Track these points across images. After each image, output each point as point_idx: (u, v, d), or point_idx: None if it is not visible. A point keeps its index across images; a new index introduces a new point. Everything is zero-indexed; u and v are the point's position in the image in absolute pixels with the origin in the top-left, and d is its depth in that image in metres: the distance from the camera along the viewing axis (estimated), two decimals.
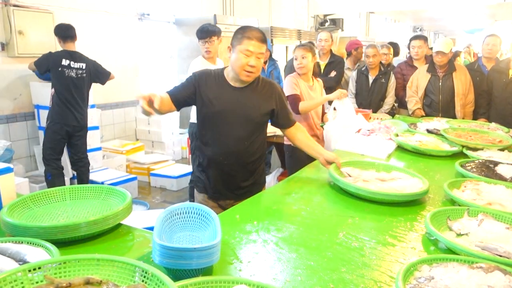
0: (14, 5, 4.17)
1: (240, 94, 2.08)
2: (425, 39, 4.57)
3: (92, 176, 4.44)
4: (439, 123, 3.41)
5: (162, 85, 6.43)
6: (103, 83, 4.30)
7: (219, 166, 2.13)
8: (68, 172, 4.34)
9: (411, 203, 1.83)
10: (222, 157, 2.10)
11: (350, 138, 2.99)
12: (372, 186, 1.91)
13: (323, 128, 3.28)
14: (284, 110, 2.21)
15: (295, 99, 3.06)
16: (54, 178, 4.02)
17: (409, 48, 4.93)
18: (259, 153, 2.19)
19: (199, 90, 2.07)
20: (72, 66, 3.96)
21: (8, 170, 1.68)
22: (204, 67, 3.71)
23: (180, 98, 2.07)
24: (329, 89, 4.52)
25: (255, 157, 2.17)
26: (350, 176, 2.04)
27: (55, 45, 4.08)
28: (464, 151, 2.63)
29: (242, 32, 2.00)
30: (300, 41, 8.40)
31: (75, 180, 4.35)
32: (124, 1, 5.47)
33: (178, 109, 2.10)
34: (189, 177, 4.15)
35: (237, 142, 2.09)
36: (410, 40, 4.71)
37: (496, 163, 2.23)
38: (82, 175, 4.23)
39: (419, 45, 4.43)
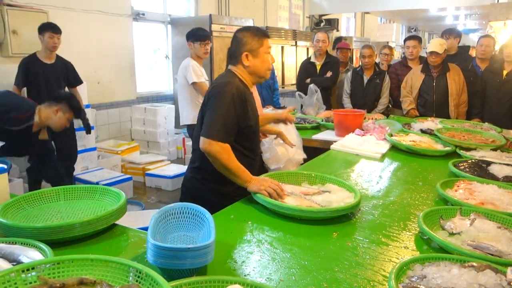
0: (8, 5, 4.15)
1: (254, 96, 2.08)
2: (419, 39, 4.59)
3: (87, 177, 4.43)
4: (433, 123, 3.43)
5: (157, 85, 6.42)
6: None
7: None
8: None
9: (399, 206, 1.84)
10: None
11: (344, 138, 3.00)
12: (291, 200, 1.71)
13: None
14: None
15: None
16: None
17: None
18: None
19: (246, 108, 1.90)
20: None
21: (1, 171, 1.68)
22: (199, 68, 3.76)
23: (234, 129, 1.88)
24: (325, 90, 4.54)
25: None
26: None
27: None
28: (458, 151, 2.65)
29: (255, 33, 1.91)
30: (296, 42, 8.43)
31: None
32: (119, 1, 5.45)
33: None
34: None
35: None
36: (405, 40, 4.73)
37: (488, 163, 2.26)
38: None
39: (414, 45, 4.45)
